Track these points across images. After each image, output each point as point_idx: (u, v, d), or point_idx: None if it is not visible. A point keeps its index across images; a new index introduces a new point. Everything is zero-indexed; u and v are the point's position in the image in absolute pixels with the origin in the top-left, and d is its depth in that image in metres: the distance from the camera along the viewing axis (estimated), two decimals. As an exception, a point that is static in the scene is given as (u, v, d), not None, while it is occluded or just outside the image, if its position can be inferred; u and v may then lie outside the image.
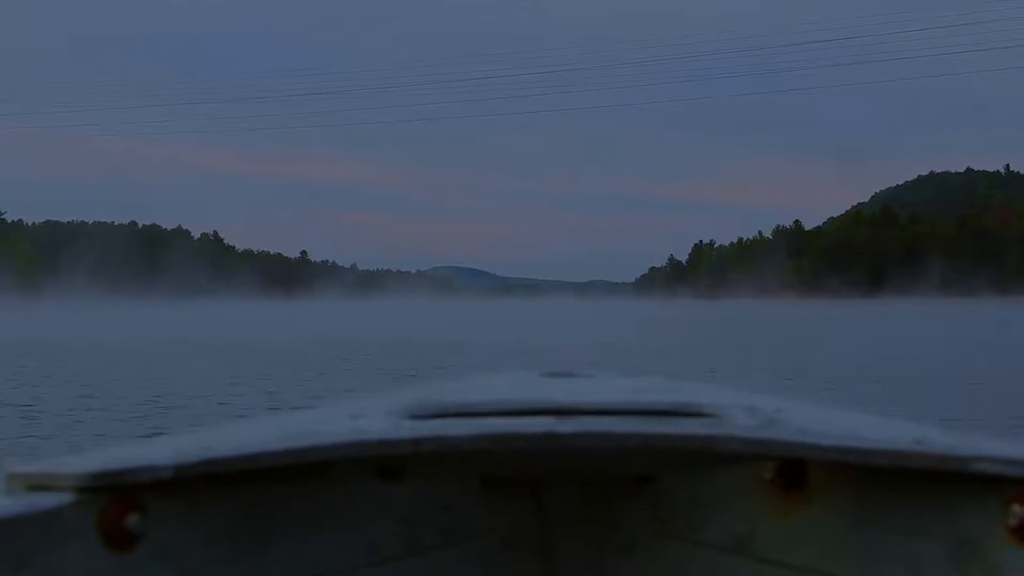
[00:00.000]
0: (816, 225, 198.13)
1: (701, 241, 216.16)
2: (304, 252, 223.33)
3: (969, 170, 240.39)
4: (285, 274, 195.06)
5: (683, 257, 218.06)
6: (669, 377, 1.81)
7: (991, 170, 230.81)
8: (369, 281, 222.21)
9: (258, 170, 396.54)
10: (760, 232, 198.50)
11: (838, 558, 1.45)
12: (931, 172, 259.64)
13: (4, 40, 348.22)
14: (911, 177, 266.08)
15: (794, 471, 1.52)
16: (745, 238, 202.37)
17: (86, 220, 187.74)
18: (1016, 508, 1.23)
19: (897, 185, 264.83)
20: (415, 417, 1.44)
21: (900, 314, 59.94)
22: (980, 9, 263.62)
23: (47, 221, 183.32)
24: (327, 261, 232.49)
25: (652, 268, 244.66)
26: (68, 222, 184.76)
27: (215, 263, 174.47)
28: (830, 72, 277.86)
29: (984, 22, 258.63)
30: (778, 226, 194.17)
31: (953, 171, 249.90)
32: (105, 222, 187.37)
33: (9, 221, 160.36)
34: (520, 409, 1.46)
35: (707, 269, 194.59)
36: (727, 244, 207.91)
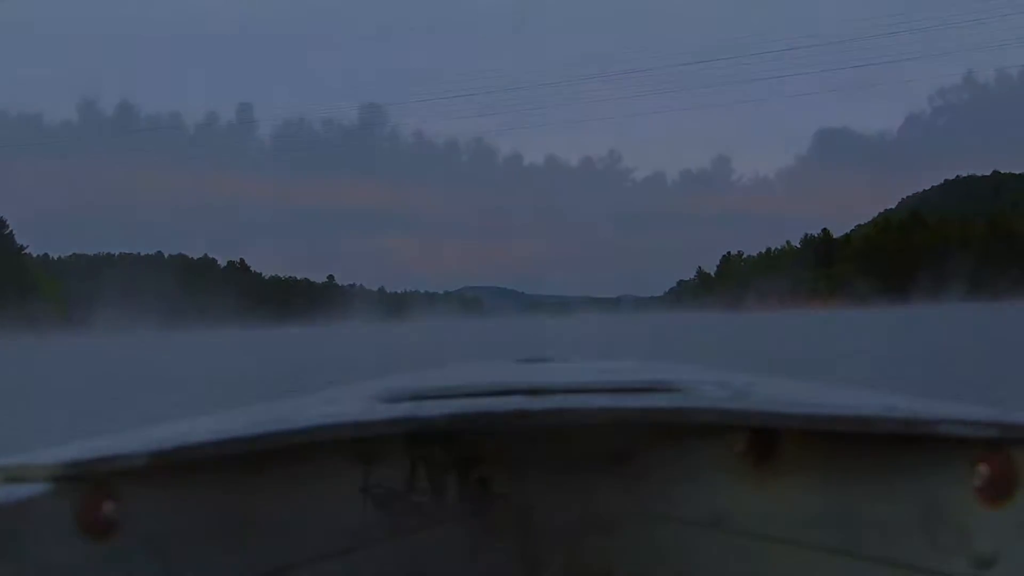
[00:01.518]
0: (844, 233, 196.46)
1: (729, 252, 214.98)
2: (331, 276, 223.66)
3: (996, 173, 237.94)
4: (312, 299, 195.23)
5: (712, 269, 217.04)
6: (643, 360, 1.76)
7: (1018, 172, 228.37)
8: (397, 304, 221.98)
9: (283, 196, 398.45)
10: (788, 242, 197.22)
11: (813, 526, 1.47)
12: (957, 176, 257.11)
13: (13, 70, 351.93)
14: (938, 182, 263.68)
15: (765, 443, 1.54)
16: (773, 248, 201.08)
17: (112, 252, 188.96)
18: (982, 468, 1.26)
19: (924, 190, 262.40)
20: (390, 401, 1.46)
21: (932, 319, 58.75)
22: (1003, 8, 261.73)
23: (73, 254, 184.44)
24: (354, 285, 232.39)
25: (680, 281, 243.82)
26: (95, 254, 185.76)
27: (242, 290, 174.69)
28: (853, 75, 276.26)
29: (1008, 15, 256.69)
30: (806, 234, 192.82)
31: (979, 174, 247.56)
32: (132, 253, 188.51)
33: (35, 256, 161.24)
34: (494, 391, 1.48)
35: (736, 280, 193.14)
36: (755, 255, 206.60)
